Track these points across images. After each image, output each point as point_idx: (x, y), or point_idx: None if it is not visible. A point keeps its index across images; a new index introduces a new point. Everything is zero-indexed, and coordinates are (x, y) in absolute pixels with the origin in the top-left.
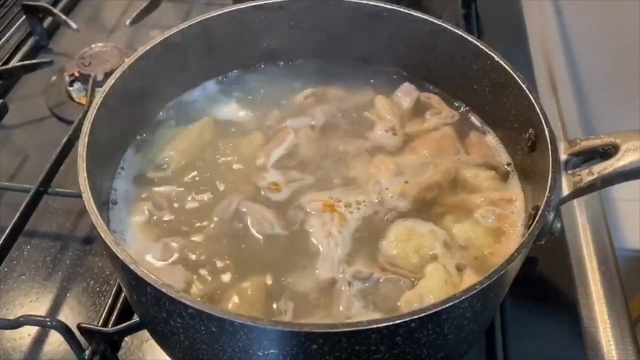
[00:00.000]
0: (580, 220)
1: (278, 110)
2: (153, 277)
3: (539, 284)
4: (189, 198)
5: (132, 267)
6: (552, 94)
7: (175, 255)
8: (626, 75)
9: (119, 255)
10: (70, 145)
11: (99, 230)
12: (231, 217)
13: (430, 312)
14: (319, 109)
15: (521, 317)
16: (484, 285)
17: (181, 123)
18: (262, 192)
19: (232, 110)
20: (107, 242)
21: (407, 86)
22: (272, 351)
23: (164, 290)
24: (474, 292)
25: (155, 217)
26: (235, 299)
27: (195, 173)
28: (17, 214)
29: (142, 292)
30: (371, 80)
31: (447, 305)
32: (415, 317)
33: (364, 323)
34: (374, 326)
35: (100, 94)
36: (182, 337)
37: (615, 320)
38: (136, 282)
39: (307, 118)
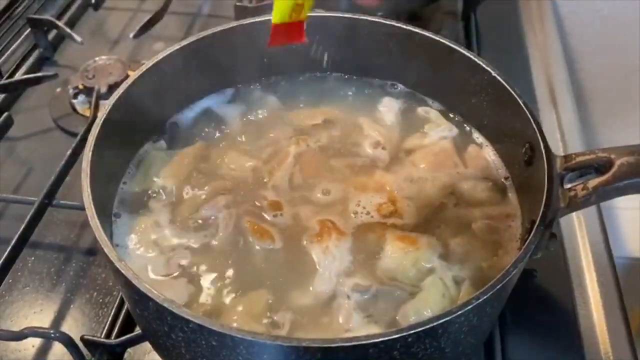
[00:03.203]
0: (578, 231)
1: (280, 128)
2: (155, 292)
3: (537, 296)
4: (191, 213)
5: (135, 282)
6: (551, 106)
7: (178, 269)
8: (627, 87)
9: (122, 271)
10: (74, 157)
11: (102, 245)
12: (232, 233)
13: (427, 326)
14: (325, 133)
15: (520, 328)
16: (480, 300)
17: (183, 138)
18: (263, 210)
19: (233, 127)
20: (111, 257)
21: (387, 101)
22: None
23: (166, 305)
24: (470, 306)
25: (158, 231)
26: (236, 312)
27: (196, 190)
28: (22, 226)
29: (144, 307)
30: (371, 95)
31: (444, 319)
32: (412, 331)
33: (361, 338)
34: (372, 341)
35: (104, 109)
36: (183, 351)
37: (614, 331)
38: (139, 296)
39: (311, 139)
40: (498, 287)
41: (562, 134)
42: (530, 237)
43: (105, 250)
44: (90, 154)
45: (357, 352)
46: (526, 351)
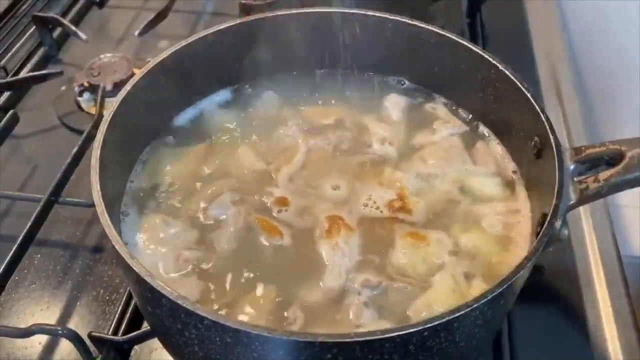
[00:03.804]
0: (586, 228)
1: (288, 126)
2: (169, 289)
3: (545, 293)
4: (200, 210)
5: (147, 279)
6: (557, 101)
7: (188, 267)
8: (631, 82)
9: (134, 268)
10: (80, 155)
11: (113, 242)
12: (242, 230)
13: (443, 320)
14: (333, 129)
15: (528, 325)
16: (496, 293)
17: (189, 135)
18: (271, 206)
19: (240, 124)
20: (122, 254)
21: (393, 97)
22: None
23: (179, 302)
24: (485, 299)
25: (166, 229)
26: (248, 308)
27: (204, 187)
28: (29, 224)
29: (157, 304)
30: (377, 91)
31: (460, 313)
32: (428, 325)
33: (377, 332)
34: (388, 335)
35: (112, 105)
36: (196, 348)
37: (622, 328)
38: (151, 294)
39: (319, 135)
40: (513, 279)
41: (567, 128)
42: (543, 229)
43: (117, 247)
44: (99, 150)
45: (373, 347)
46: (534, 348)
